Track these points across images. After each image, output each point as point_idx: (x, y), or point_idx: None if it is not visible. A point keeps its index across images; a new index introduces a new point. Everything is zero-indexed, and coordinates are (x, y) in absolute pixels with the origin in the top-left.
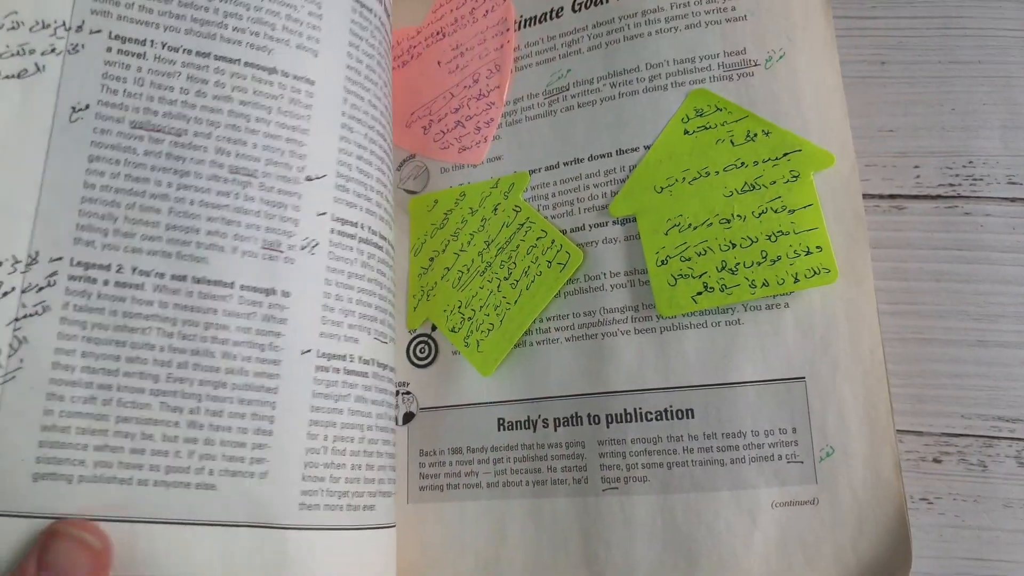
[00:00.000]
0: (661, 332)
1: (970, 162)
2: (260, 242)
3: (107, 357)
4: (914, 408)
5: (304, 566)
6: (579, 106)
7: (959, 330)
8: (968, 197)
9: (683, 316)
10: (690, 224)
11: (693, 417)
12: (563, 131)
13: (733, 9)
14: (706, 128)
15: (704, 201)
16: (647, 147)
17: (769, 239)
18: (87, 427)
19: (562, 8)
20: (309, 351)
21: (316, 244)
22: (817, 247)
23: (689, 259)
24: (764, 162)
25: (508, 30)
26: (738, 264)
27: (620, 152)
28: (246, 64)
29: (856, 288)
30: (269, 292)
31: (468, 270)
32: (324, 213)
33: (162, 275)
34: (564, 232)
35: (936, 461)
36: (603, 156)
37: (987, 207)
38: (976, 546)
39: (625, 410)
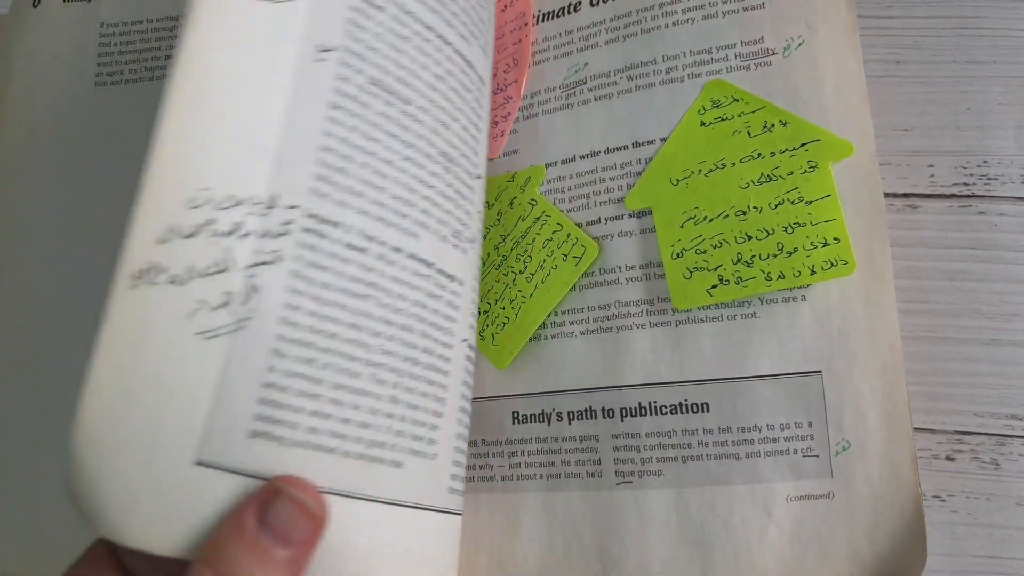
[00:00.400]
0: (677, 326)
1: (984, 161)
2: (451, 229)
3: (329, 319)
4: (927, 406)
5: (450, 550)
6: (596, 99)
7: (973, 329)
8: (982, 196)
9: (699, 310)
10: (706, 216)
11: (708, 411)
12: (579, 125)
13: None
14: (723, 119)
15: (720, 193)
16: (663, 140)
17: (786, 231)
18: (304, 390)
19: (580, 2)
20: (465, 340)
21: (477, 240)
22: (835, 238)
23: (704, 252)
24: (781, 153)
25: (527, 24)
26: (754, 256)
27: (636, 145)
28: (455, 51)
29: (875, 281)
30: (452, 278)
31: (484, 264)
32: (480, 211)
33: (383, 243)
34: (580, 225)
35: (949, 459)
36: (619, 149)
37: (1001, 206)
38: (989, 544)
39: (640, 404)
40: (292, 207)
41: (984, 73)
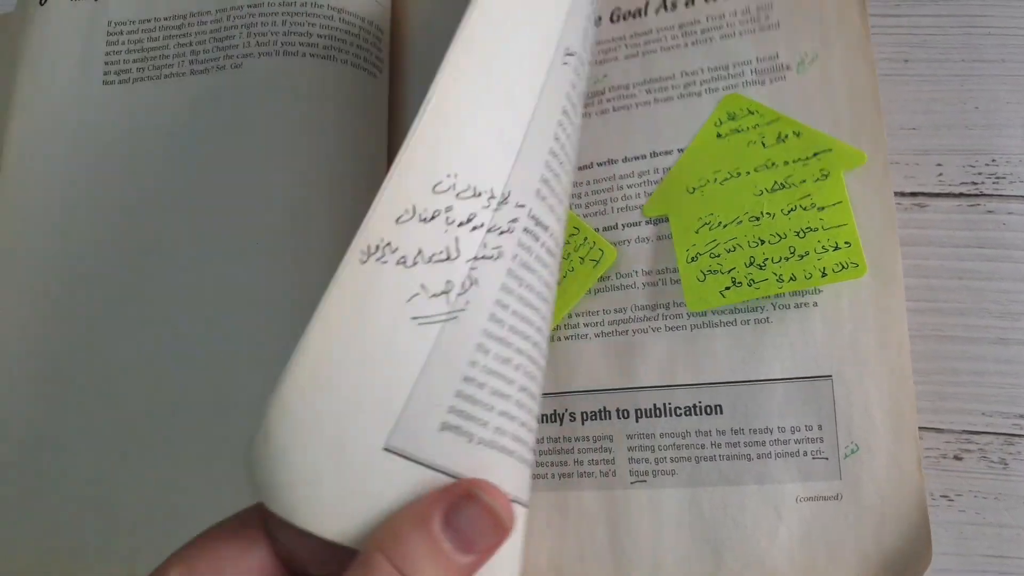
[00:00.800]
0: (691, 329)
1: (993, 160)
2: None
3: (527, 321)
4: (935, 405)
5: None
6: (614, 110)
7: (981, 328)
8: (991, 195)
9: (712, 314)
10: (720, 222)
11: (721, 413)
12: (598, 133)
13: (767, 18)
14: (738, 131)
15: (735, 200)
16: (681, 150)
17: (798, 235)
18: (498, 388)
19: (600, 18)
20: None
21: None
22: (846, 242)
23: (718, 255)
24: (794, 162)
25: None
26: (766, 259)
27: (654, 155)
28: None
29: (885, 287)
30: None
31: None
32: None
33: (560, 247)
34: (597, 231)
35: (957, 458)
36: (637, 158)
37: (1010, 205)
38: (997, 543)
39: (655, 405)
40: (520, 206)
41: (992, 72)
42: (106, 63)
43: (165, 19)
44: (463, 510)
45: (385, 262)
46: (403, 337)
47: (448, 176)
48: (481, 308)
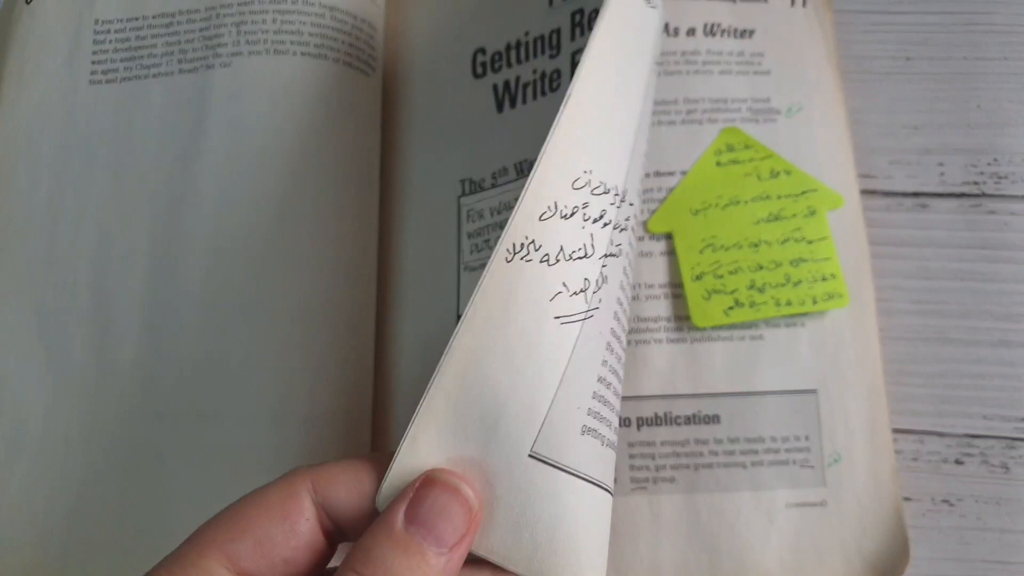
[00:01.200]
0: (692, 343)
1: (995, 160)
2: None
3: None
4: (936, 409)
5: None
6: None
7: (982, 330)
8: (993, 195)
9: (712, 329)
10: (722, 245)
11: (719, 422)
12: None
13: (759, 64)
14: (735, 163)
15: (735, 226)
16: (683, 172)
17: (792, 264)
18: (616, 388)
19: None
20: None
21: None
22: (831, 275)
23: (722, 276)
24: (786, 197)
25: None
26: (765, 284)
27: (658, 174)
28: None
29: (861, 314)
30: None
31: None
32: None
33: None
34: None
35: (958, 463)
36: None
37: (1012, 206)
38: (998, 548)
39: (656, 414)
40: (631, 204)
41: (995, 70)
42: (93, 62)
43: (153, 17)
44: (424, 499)
45: (530, 260)
46: (547, 337)
47: (584, 172)
48: (609, 305)
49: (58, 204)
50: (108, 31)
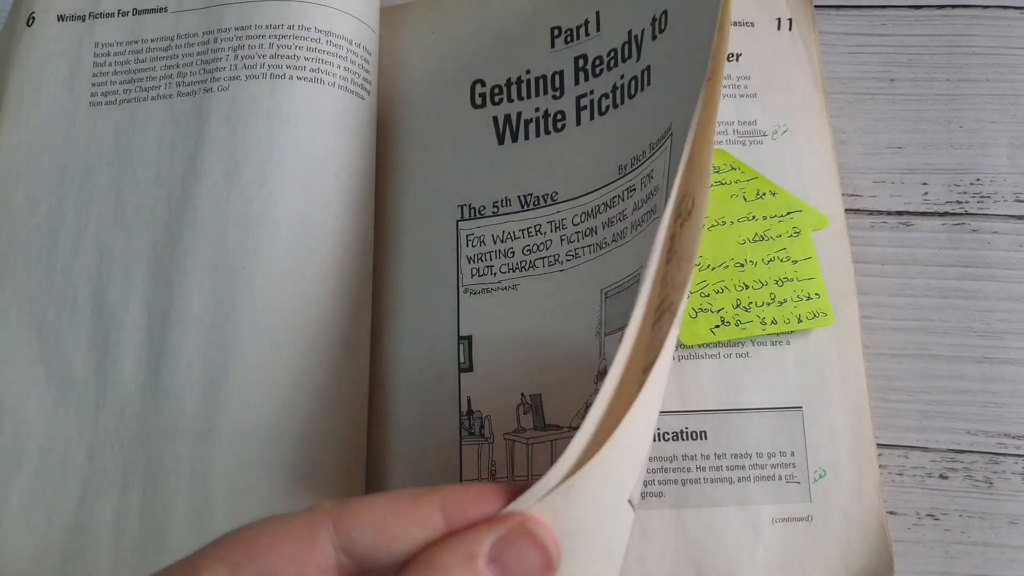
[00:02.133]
0: (679, 360)
1: (977, 179)
2: None
3: None
4: (920, 424)
5: None
6: None
7: (966, 347)
8: (975, 214)
9: (699, 347)
10: (708, 264)
11: (706, 438)
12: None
13: (746, 87)
14: (721, 184)
15: (721, 246)
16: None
17: (777, 283)
18: None
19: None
20: None
21: None
22: (816, 294)
23: (708, 295)
24: (771, 217)
25: None
26: (751, 303)
27: None
28: None
29: (846, 331)
30: None
31: None
32: None
33: None
34: None
35: (942, 477)
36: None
37: (994, 224)
38: (982, 562)
39: None
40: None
41: (977, 91)
42: (93, 84)
43: (152, 41)
44: (512, 545)
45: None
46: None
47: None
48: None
49: (58, 223)
50: (108, 54)
